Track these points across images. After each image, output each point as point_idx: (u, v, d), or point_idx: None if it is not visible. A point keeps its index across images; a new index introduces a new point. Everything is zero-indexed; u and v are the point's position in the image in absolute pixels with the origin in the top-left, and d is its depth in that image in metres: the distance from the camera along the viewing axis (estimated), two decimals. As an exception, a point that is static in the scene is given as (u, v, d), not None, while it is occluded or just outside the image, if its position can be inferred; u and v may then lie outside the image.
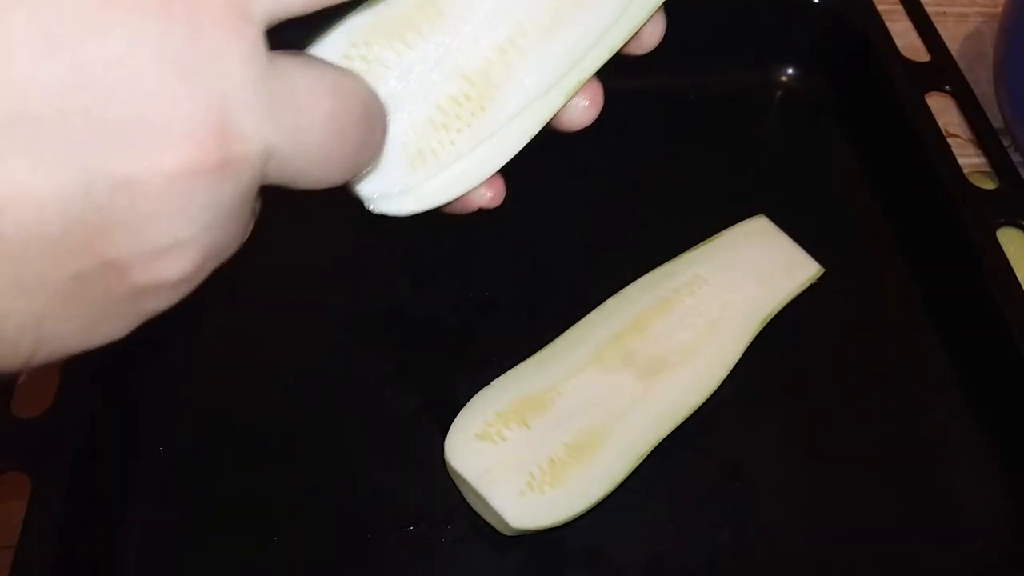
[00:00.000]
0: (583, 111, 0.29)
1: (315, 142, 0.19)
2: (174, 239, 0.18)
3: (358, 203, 0.26)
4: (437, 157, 0.26)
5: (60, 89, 0.16)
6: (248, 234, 0.20)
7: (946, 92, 0.53)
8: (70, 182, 0.17)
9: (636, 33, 0.28)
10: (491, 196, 0.30)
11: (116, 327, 0.19)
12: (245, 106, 0.18)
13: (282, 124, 0.18)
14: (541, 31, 0.26)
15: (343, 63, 0.23)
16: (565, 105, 0.28)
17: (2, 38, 0.16)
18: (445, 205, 0.28)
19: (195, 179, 0.17)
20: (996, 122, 0.53)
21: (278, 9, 0.18)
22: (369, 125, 0.21)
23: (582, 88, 0.27)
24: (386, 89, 0.24)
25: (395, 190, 0.26)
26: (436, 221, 0.53)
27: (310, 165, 0.20)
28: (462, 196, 0.28)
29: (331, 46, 0.23)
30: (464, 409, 0.40)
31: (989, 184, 0.48)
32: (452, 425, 0.39)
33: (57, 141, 0.16)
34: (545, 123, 0.28)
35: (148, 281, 0.18)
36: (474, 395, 0.40)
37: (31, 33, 0.16)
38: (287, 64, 0.19)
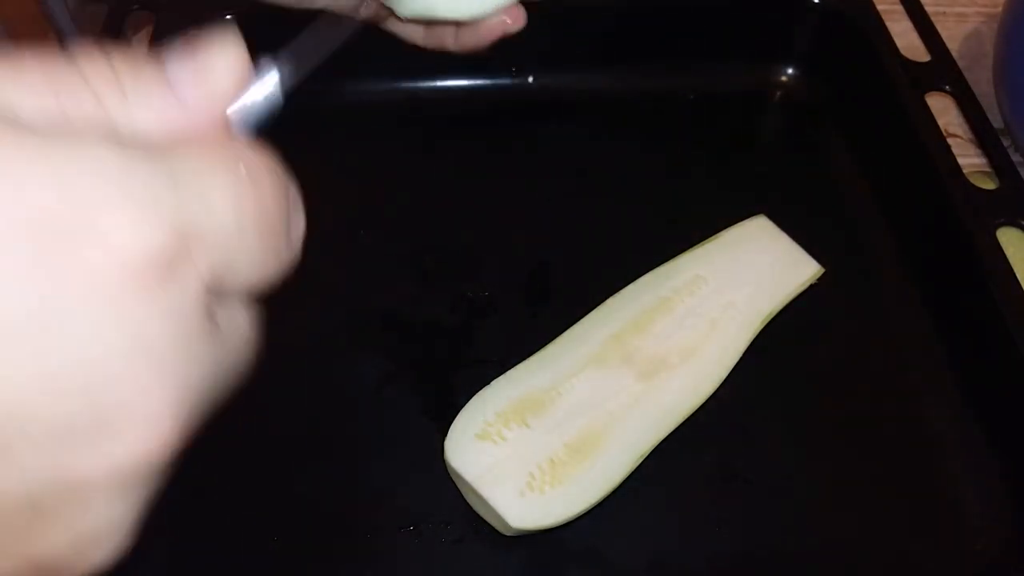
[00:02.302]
0: None
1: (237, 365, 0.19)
2: (108, 525, 0.17)
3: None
4: None
5: (21, 397, 0.14)
6: None
7: (946, 92, 0.53)
8: (13, 488, 0.15)
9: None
10: (510, 22, 0.33)
11: None
12: (202, 384, 0.17)
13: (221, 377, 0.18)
14: None
15: None
16: None
17: None
18: (473, 20, 0.32)
19: (144, 468, 0.16)
20: (996, 122, 0.53)
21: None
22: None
23: None
24: None
25: None
26: (436, 221, 0.53)
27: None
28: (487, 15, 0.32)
29: None
30: (464, 409, 0.40)
31: (989, 184, 0.48)
32: (452, 425, 0.39)
33: (8, 451, 0.15)
34: None
35: (70, 573, 0.17)
36: (474, 395, 0.40)
37: None
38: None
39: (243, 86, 0.19)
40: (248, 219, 0.18)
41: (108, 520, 0.17)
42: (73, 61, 0.17)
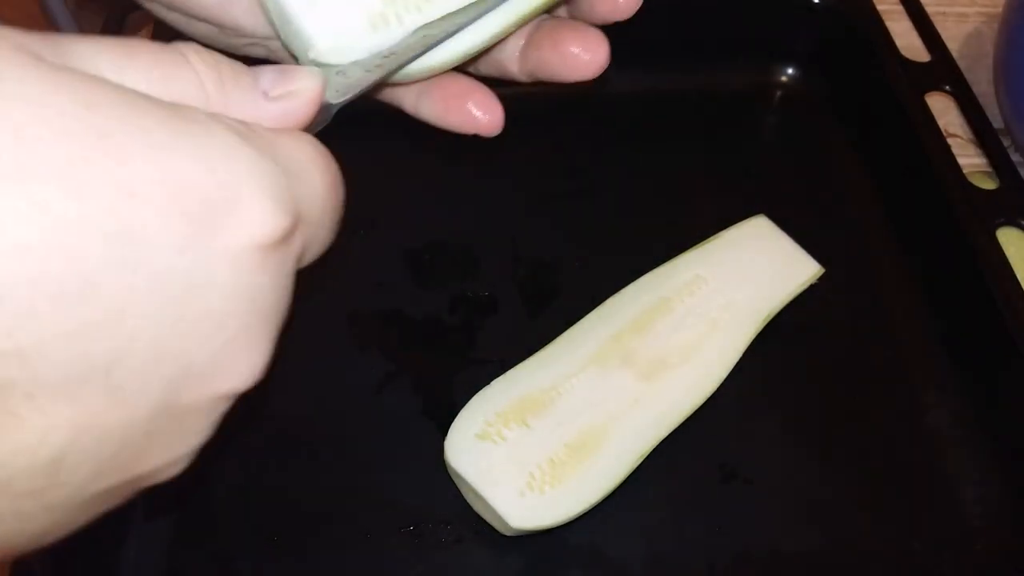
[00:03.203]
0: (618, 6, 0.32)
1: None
2: (193, 448, 0.19)
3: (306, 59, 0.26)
4: (400, 22, 0.26)
5: (159, 335, 0.17)
6: None
7: (946, 92, 0.53)
8: (140, 416, 0.17)
9: None
10: (486, 121, 0.30)
11: (78, 524, 0.19)
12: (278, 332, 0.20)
13: None
14: None
15: None
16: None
17: (118, 293, 0.16)
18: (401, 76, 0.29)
19: (232, 397, 0.19)
20: (996, 122, 0.53)
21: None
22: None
23: None
24: None
25: (346, 45, 0.26)
26: (436, 221, 0.53)
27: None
28: (417, 69, 0.29)
29: None
30: (464, 409, 0.40)
31: (989, 184, 0.49)
32: (452, 425, 0.39)
33: (144, 380, 0.17)
34: (527, 13, 0.28)
35: (146, 486, 0.19)
36: (474, 395, 0.40)
37: (140, 285, 0.16)
38: None
39: (319, 102, 0.22)
40: (330, 203, 0.21)
41: (193, 443, 0.19)
42: (179, 50, 0.19)
